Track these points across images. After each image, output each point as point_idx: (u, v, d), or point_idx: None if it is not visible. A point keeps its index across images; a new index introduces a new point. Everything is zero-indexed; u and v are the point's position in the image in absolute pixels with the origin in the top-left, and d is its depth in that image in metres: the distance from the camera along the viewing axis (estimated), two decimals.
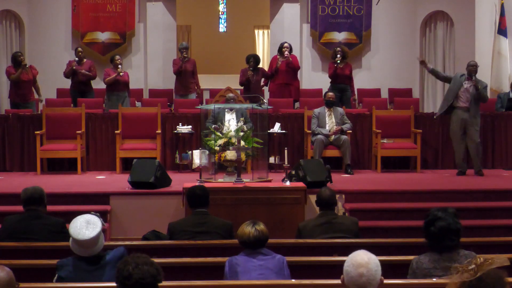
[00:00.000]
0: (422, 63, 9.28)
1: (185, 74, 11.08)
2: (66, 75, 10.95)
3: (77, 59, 10.85)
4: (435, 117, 9.35)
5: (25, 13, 12.58)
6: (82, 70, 10.78)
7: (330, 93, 9.53)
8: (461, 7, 12.42)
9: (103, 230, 4.07)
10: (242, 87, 10.94)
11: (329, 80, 10.87)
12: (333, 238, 5.28)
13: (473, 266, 2.55)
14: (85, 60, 11.00)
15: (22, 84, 10.30)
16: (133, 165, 7.76)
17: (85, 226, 3.86)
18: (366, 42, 12.97)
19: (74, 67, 10.70)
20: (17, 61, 10.24)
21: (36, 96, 10.70)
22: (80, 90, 10.93)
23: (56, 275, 3.95)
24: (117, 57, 10.68)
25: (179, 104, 10.87)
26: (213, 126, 8.24)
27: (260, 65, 11.23)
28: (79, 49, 11.05)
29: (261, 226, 4.35)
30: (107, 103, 10.59)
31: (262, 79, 11.06)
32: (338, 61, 10.57)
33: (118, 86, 10.51)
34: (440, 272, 3.75)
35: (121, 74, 10.42)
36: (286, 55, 10.82)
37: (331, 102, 9.34)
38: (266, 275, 4.17)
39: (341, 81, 10.70)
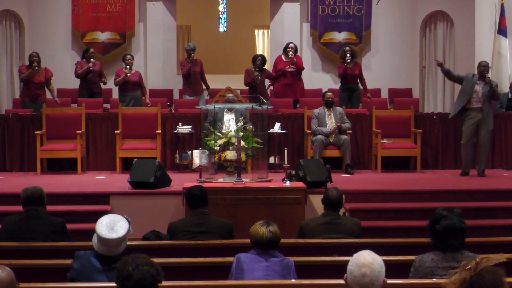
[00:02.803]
0: (440, 65, 9.06)
1: (193, 76, 11.03)
2: (79, 75, 10.78)
3: (93, 61, 10.71)
4: (449, 117, 9.27)
5: (25, 13, 12.57)
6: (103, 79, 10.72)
7: (329, 93, 9.53)
8: (461, 7, 12.42)
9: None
10: (247, 87, 10.89)
11: (329, 80, 10.90)
12: (334, 238, 5.28)
13: (471, 265, 2.57)
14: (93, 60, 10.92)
15: (32, 85, 10.30)
16: (133, 165, 7.76)
17: (112, 226, 3.84)
18: (366, 42, 12.97)
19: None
20: (30, 61, 10.29)
21: (49, 96, 10.62)
22: (90, 91, 10.89)
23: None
24: (128, 56, 10.56)
25: (179, 104, 10.86)
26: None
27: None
28: (92, 49, 10.94)
29: (274, 228, 4.33)
30: (122, 105, 10.55)
31: (267, 80, 11.05)
32: (348, 60, 10.58)
33: (128, 86, 10.45)
34: (442, 272, 3.75)
35: (128, 75, 10.37)
36: (290, 55, 10.82)
37: (330, 102, 9.34)
38: (272, 277, 4.16)
39: (351, 81, 10.71)
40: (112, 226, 3.84)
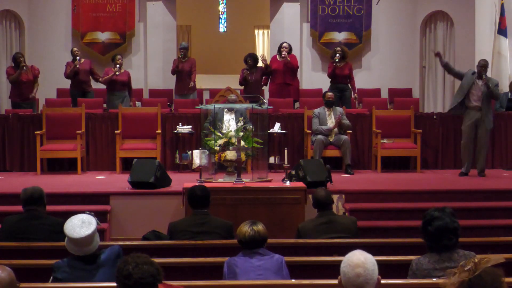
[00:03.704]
0: (438, 55, 9.18)
1: (182, 74, 11.05)
2: (68, 76, 10.88)
3: (78, 58, 10.80)
4: (447, 111, 9.33)
5: (25, 13, 12.57)
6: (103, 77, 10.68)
7: (330, 93, 9.53)
8: (461, 7, 12.42)
9: (98, 229, 4.08)
10: (242, 87, 10.92)
11: (329, 80, 10.86)
12: (333, 238, 5.28)
13: (470, 266, 2.56)
14: (82, 60, 10.96)
15: (22, 84, 10.32)
16: (133, 165, 7.76)
17: (80, 225, 3.88)
18: (366, 42, 12.96)
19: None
20: (16, 62, 10.29)
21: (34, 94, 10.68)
22: (81, 90, 10.92)
23: (52, 276, 3.95)
24: (118, 56, 10.68)
25: (179, 104, 10.87)
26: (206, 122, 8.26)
27: (260, 64, 11.22)
28: (75, 49, 11.09)
29: (258, 227, 4.33)
30: (108, 103, 10.62)
31: (263, 78, 11.03)
32: (337, 60, 10.57)
33: (116, 86, 10.52)
34: (439, 273, 3.75)
35: (117, 73, 10.43)
36: (283, 55, 10.80)
37: (331, 102, 9.34)
38: (265, 275, 4.16)
39: (340, 81, 10.68)
40: (80, 224, 3.88)
